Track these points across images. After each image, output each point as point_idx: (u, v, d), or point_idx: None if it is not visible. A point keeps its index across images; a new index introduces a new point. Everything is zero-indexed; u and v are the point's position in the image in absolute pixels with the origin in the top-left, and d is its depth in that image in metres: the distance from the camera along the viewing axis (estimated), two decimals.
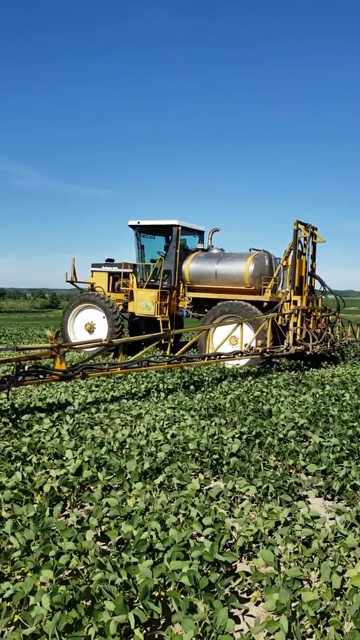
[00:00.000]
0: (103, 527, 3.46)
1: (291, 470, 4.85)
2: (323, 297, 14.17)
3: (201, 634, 2.39)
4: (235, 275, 13.87)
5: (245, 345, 11.43)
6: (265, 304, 13.56)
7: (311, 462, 4.79)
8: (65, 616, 2.38)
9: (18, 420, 5.98)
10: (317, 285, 13.92)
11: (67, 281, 15.57)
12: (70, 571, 2.90)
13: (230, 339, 12.24)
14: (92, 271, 16.50)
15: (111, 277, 16.14)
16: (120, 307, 15.37)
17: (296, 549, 3.17)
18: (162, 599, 2.69)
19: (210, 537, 3.27)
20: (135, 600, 2.62)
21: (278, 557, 3.09)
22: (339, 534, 3.35)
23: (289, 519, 3.54)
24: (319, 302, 14.17)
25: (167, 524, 3.33)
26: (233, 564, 3.15)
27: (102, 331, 14.80)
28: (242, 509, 3.73)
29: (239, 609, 2.74)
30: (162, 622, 2.66)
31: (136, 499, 3.80)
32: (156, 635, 2.58)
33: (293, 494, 4.10)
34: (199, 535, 3.35)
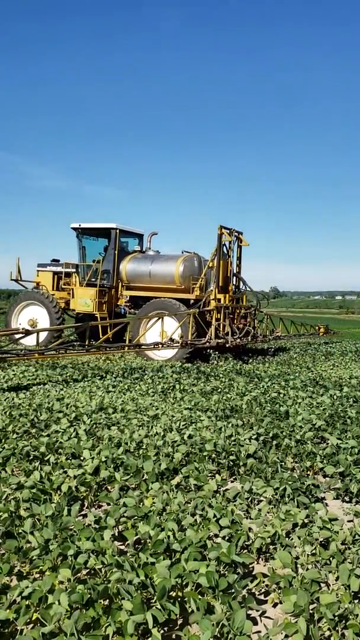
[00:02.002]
0: (120, 527, 3.48)
1: (308, 472, 4.83)
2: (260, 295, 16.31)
3: (219, 635, 2.39)
4: (167, 275, 15.26)
5: (167, 337, 12.98)
6: (192, 301, 14.95)
7: (329, 464, 4.76)
8: (83, 615, 2.39)
9: (36, 420, 6.03)
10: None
11: (12, 279, 17.03)
12: (88, 570, 2.92)
13: (161, 333, 13.73)
14: (38, 271, 17.87)
15: (55, 277, 17.52)
16: (63, 305, 16.75)
17: (314, 551, 3.16)
18: (179, 599, 2.70)
19: (227, 538, 3.26)
20: (153, 600, 2.63)
21: (295, 559, 3.08)
22: (357, 536, 3.33)
23: (306, 520, 3.52)
24: (244, 300, 15.89)
25: (184, 525, 3.33)
26: (250, 565, 3.15)
27: (44, 327, 15.91)
28: (259, 510, 3.72)
29: (257, 611, 2.74)
30: (179, 622, 2.67)
31: (153, 499, 3.81)
32: (173, 636, 2.58)
33: (310, 496, 4.08)
34: (216, 536, 3.35)
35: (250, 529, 3.46)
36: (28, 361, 11.77)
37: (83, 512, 3.88)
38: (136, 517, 3.52)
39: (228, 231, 14.99)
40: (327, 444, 5.43)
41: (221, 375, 10.43)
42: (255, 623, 2.69)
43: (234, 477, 4.70)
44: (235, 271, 15.65)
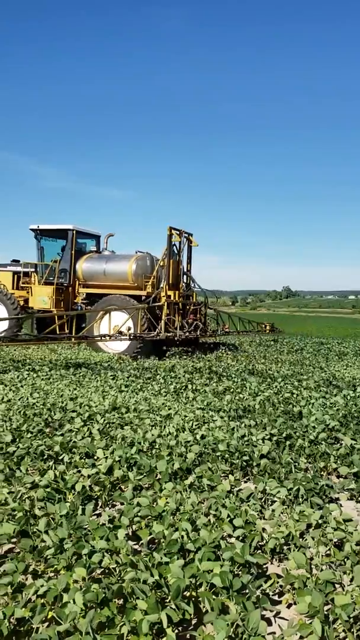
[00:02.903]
0: (134, 527, 3.49)
1: (322, 473, 4.81)
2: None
3: (233, 635, 2.39)
4: (120, 273, 16.26)
5: (117, 330, 14.23)
6: (143, 297, 15.81)
7: (343, 465, 4.74)
8: (98, 614, 2.40)
9: (50, 419, 6.06)
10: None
11: None
12: (102, 570, 2.93)
13: (109, 326, 14.86)
14: None
15: (15, 276, 18.31)
16: (22, 303, 17.64)
17: (328, 552, 3.15)
18: (193, 599, 2.70)
19: (241, 538, 3.26)
20: (167, 600, 2.64)
21: (310, 560, 3.07)
22: None
23: (320, 521, 3.51)
24: (194, 297, 17.04)
25: (197, 525, 3.33)
26: (264, 566, 3.14)
27: (4, 324, 16.77)
28: (273, 510, 3.72)
29: (271, 611, 2.73)
30: (193, 622, 2.67)
31: (167, 499, 3.82)
32: (188, 635, 2.58)
33: (324, 497, 4.07)
34: (230, 536, 3.35)
35: (264, 529, 3.45)
36: (42, 360, 11.85)
37: (97, 512, 3.90)
38: (150, 517, 3.53)
39: (177, 232, 15.99)
40: (341, 444, 5.40)
41: (233, 376, 10.42)
42: (269, 624, 2.68)
43: (247, 477, 4.70)
44: (185, 270, 16.73)
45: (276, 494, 4.00)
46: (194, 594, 2.75)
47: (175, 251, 16.14)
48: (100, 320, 15.36)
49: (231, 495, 3.96)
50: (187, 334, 15.37)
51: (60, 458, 4.77)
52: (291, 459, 4.84)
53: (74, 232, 17.52)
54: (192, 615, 2.58)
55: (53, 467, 4.46)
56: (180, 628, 2.62)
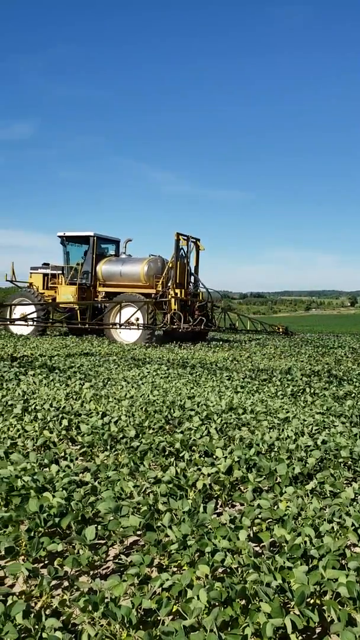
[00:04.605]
0: (255, 529, 3.48)
1: None
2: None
3: None
4: (134, 274, 18.93)
5: (126, 321, 17.36)
6: (153, 295, 18.41)
7: None
8: (222, 612, 2.43)
9: (170, 417, 6.21)
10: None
11: (7, 280, 21.15)
12: (224, 569, 2.95)
13: (119, 318, 17.78)
14: (30, 273, 21.57)
15: (45, 278, 21.12)
16: (50, 301, 20.18)
17: None
18: (317, 607, 2.64)
19: None
20: (290, 606, 2.61)
21: None
22: None
23: None
24: (200, 295, 19.83)
25: (321, 531, 3.26)
26: None
27: (32, 318, 18.72)
28: None
29: None
30: (317, 630, 2.61)
31: (288, 503, 3.76)
32: None
33: None
34: (355, 545, 3.24)
35: None
36: (160, 359, 12.17)
37: (218, 511, 3.93)
38: (271, 520, 3.50)
39: (185, 237, 18.41)
40: None
41: (355, 380, 10.05)
42: None
43: None
44: (192, 271, 19.29)
45: None
46: (317, 601, 2.69)
47: (183, 254, 18.46)
48: (114, 314, 18.02)
49: (355, 503, 3.82)
50: (192, 327, 17.87)
51: (180, 455, 4.86)
52: None
53: (95, 238, 19.97)
54: (316, 624, 2.53)
55: (174, 464, 4.57)
56: (304, 635, 2.57)
